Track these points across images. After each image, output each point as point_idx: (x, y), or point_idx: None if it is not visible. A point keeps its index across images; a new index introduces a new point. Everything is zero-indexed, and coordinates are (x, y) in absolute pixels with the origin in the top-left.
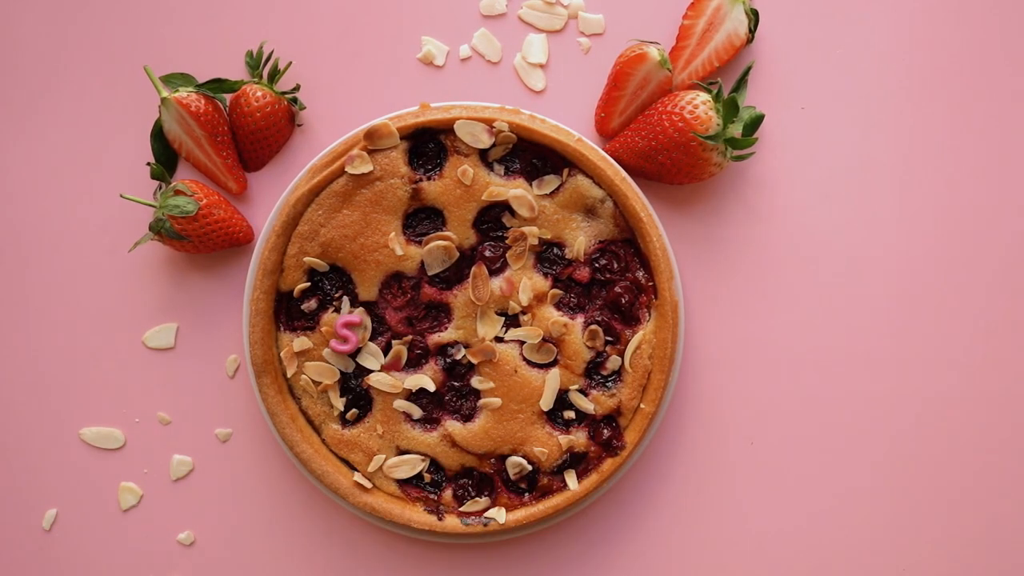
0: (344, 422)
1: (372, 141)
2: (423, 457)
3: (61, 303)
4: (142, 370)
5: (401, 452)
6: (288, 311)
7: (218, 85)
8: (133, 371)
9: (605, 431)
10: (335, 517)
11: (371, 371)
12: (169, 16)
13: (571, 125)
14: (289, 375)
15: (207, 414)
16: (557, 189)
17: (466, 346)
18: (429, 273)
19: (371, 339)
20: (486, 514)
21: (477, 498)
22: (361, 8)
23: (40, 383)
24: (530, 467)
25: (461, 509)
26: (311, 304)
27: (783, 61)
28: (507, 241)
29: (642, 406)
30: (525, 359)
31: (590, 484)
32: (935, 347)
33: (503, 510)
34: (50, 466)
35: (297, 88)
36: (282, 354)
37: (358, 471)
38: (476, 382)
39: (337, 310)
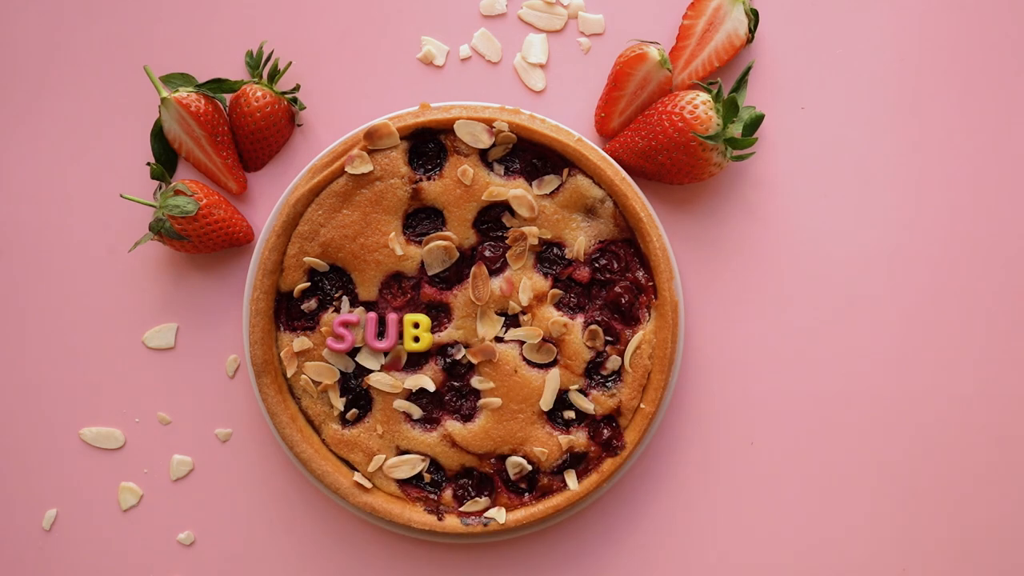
0: (344, 422)
1: (372, 141)
2: (423, 457)
3: (61, 303)
4: (142, 370)
5: (401, 452)
6: (288, 311)
7: (218, 85)
8: (133, 371)
9: (605, 431)
10: (335, 517)
11: (371, 371)
12: (169, 16)
13: (571, 125)
14: (289, 375)
15: (207, 414)
16: (557, 189)
17: (466, 346)
18: (429, 273)
19: None
20: (486, 514)
21: (477, 498)
22: (361, 8)
23: (40, 383)
24: (530, 467)
25: (461, 509)
26: (311, 304)
27: (783, 61)
28: (507, 241)
29: (642, 406)
30: (525, 359)
31: (590, 484)
32: (936, 346)
33: (503, 510)
34: (50, 466)
35: (297, 88)
36: (282, 354)
37: (358, 471)
38: (476, 382)
39: (337, 310)
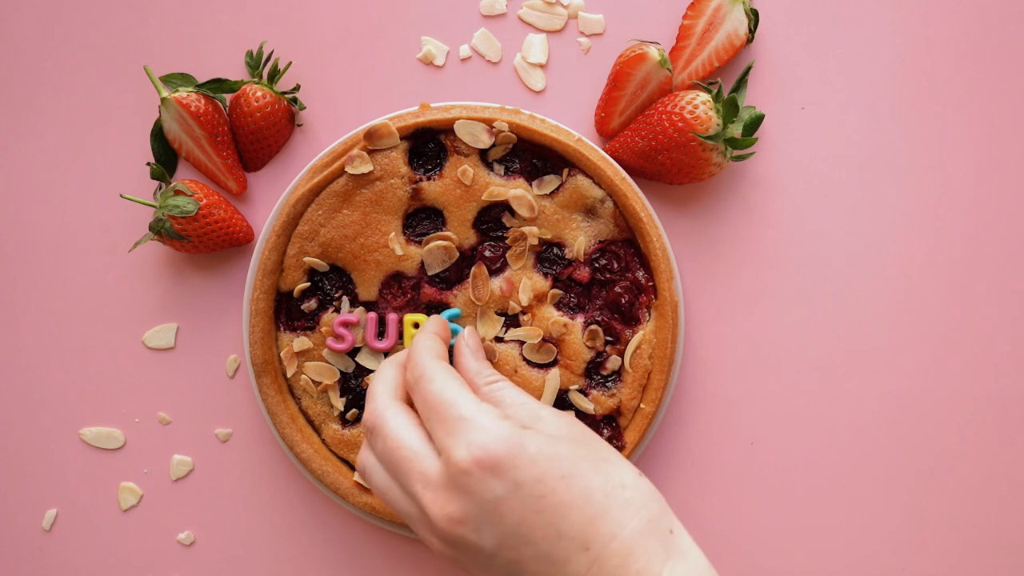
0: (344, 422)
1: (372, 141)
2: None
3: (61, 303)
4: (142, 370)
5: None
6: (288, 311)
7: (218, 85)
8: (133, 371)
9: (605, 431)
10: (335, 517)
11: (371, 371)
12: (169, 16)
13: (571, 125)
14: (289, 375)
15: (207, 414)
16: (557, 189)
17: None
18: (429, 273)
19: None
20: None
21: None
22: (361, 8)
23: (40, 383)
24: None
25: None
26: (311, 304)
27: (783, 61)
28: (507, 241)
29: (642, 406)
30: (525, 359)
31: None
32: (937, 347)
33: None
34: (50, 466)
35: (297, 88)
36: (282, 354)
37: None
38: None
39: (337, 310)
